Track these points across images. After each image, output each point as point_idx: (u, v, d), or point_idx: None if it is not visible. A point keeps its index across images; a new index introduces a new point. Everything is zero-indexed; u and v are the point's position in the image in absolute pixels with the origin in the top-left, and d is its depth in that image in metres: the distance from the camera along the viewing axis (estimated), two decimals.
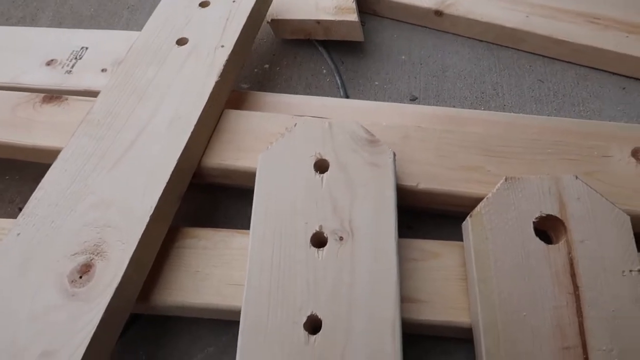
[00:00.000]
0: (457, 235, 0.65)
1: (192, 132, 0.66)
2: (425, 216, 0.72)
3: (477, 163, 0.68)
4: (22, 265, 0.55)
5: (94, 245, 0.56)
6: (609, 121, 0.79)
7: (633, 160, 0.68)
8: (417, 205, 0.70)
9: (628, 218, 0.58)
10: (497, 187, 0.60)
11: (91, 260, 0.55)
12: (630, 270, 0.55)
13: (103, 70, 0.83)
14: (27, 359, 0.49)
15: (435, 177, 0.67)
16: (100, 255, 0.55)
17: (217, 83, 0.71)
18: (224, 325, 0.64)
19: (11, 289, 0.53)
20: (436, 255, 0.63)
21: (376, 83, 0.90)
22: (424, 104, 0.85)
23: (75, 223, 0.58)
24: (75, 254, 0.55)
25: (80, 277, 0.54)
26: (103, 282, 0.53)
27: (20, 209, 0.76)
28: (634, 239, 0.57)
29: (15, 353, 0.49)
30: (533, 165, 0.68)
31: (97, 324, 0.50)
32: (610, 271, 0.55)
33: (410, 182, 0.66)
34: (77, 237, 0.57)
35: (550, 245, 0.57)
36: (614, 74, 0.89)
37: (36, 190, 0.61)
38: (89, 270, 0.54)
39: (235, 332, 0.63)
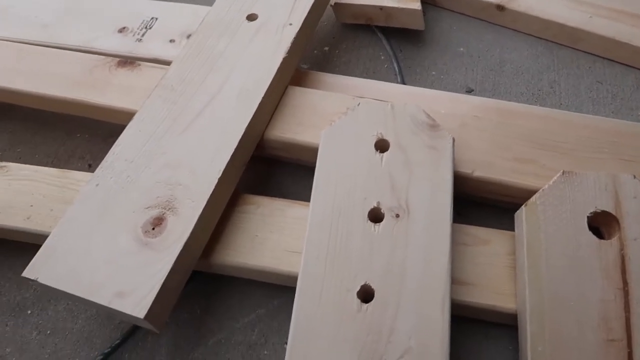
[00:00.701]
0: (504, 226, 0.66)
1: (259, 105, 0.69)
2: (474, 205, 0.74)
3: (532, 156, 0.69)
4: (100, 212, 0.59)
5: (166, 200, 0.60)
6: None
7: None
8: (469, 193, 0.71)
9: None
10: (553, 179, 0.61)
11: (163, 214, 0.59)
12: None
13: (171, 40, 0.87)
14: (104, 298, 0.53)
15: (490, 166, 0.68)
16: (172, 210, 0.59)
17: (284, 59, 0.74)
18: (275, 289, 0.67)
19: (90, 232, 0.58)
20: (486, 242, 0.64)
21: (433, 73, 0.91)
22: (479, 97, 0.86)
23: (149, 179, 0.62)
24: (149, 207, 0.59)
25: (153, 229, 0.58)
26: (174, 235, 0.57)
27: (90, 165, 0.81)
28: None
29: (93, 291, 0.54)
30: (587, 162, 0.69)
31: (167, 272, 0.54)
32: None
33: (465, 168, 0.68)
34: (150, 192, 0.61)
35: (602, 240, 0.58)
36: None
37: (113, 147, 0.65)
38: (161, 223, 0.58)
39: (285, 297, 0.67)
